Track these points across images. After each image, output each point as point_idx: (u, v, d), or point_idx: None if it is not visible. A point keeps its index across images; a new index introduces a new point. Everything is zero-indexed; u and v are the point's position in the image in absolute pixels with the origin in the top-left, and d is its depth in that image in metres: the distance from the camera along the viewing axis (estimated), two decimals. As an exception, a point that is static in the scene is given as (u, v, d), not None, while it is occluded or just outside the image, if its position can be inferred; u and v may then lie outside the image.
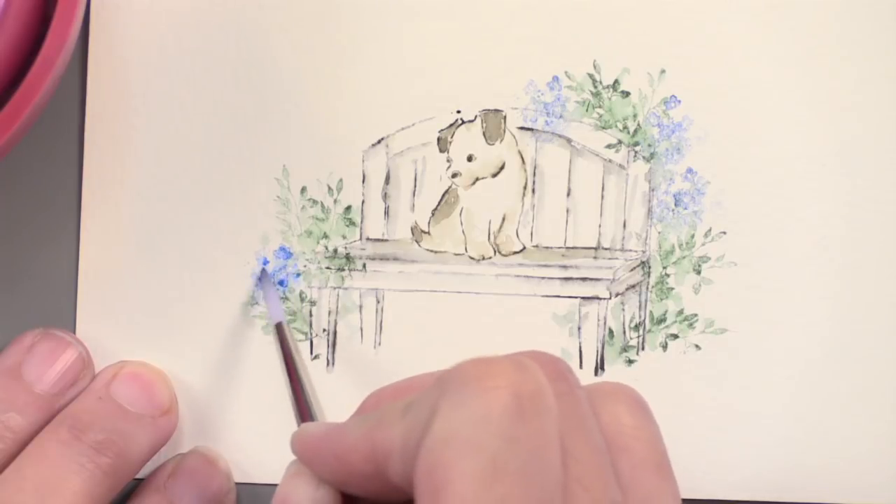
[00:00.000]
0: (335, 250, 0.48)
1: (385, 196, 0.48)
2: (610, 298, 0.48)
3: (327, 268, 0.48)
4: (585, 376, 0.48)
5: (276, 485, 0.47)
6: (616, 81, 0.48)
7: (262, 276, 0.47)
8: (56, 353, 0.46)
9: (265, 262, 0.47)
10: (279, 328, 0.45)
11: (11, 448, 0.44)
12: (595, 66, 0.48)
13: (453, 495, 0.30)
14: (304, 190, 0.48)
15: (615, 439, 0.34)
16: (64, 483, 0.43)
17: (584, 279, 0.48)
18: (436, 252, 0.48)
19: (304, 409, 0.41)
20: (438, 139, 0.48)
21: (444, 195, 0.48)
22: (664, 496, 0.34)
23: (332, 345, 0.48)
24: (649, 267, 0.48)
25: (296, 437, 0.37)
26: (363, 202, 0.48)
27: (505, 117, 0.48)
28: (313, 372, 0.48)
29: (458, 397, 0.32)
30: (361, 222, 0.48)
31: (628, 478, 0.33)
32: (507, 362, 0.33)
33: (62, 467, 0.43)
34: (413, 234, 0.48)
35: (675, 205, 0.48)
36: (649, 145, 0.48)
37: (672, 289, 0.48)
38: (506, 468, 0.31)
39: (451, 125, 0.48)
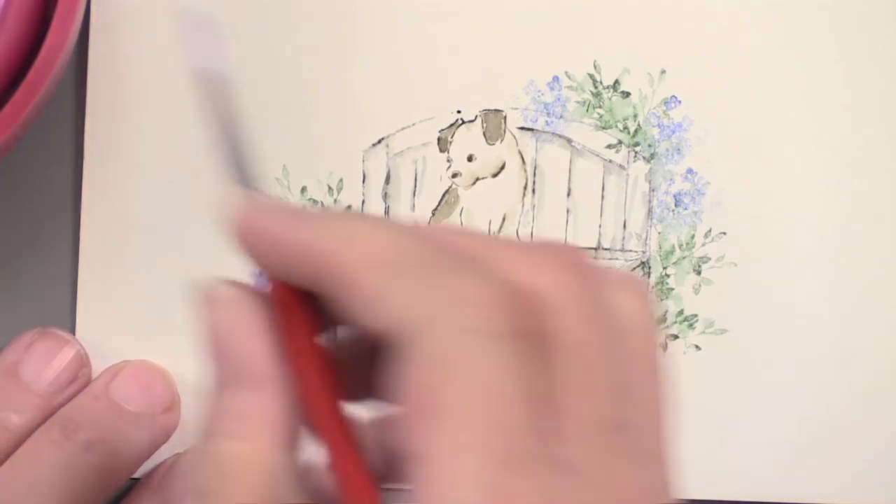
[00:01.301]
0: (335, 250, 0.48)
1: (385, 196, 0.48)
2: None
3: (327, 268, 0.48)
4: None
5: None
6: (616, 82, 0.48)
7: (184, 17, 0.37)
8: (54, 351, 0.46)
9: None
10: (206, 76, 0.36)
11: (7, 446, 0.44)
12: (595, 67, 0.48)
13: (448, 416, 0.29)
14: (304, 190, 0.48)
15: (629, 332, 0.32)
16: (55, 483, 0.43)
17: (584, 279, 0.48)
18: (436, 252, 0.48)
19: (243, 177, 0.34)
20: (439, 139, 0.48)
21: (444, 195, 0.48)
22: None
23: (332, 345, 0.48)
24: (649, 267, 0.48)
25: (243, 217, 0.33)
26: (363, 202, 0.48)
27: (505, 117, 0.48)
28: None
29: (458, 321, 0.30)
30: (361, 222, 0.48)
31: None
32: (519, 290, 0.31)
33: (53, 467, 0.43)
34: (413, 234, 0.48)
35: (676, 205, 0.48)
36: (649, 145, 0.48)
37: (672, 289, 0.48)
38: (504, 391, 0.29)
39: (452, 125, 0.48)
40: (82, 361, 0.46)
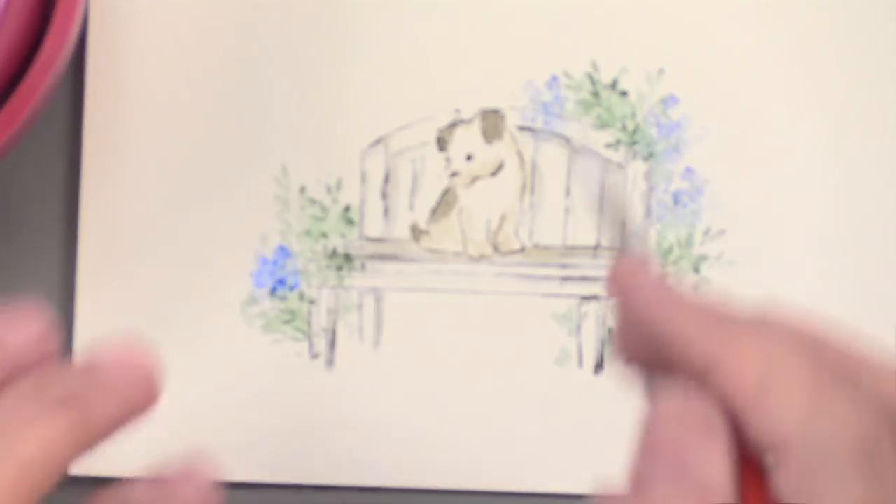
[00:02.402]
0: (334, 249, 0.48)
1: (384, 195, 0.48)
2: (609, 297, 0.48)
3: (326, 267, 0.48)
4: (585, 375, 0.48)
5: (273, 485, 0.48)
6: (615, 81, 0.48)
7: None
8: (26, 317, 0.46)
9: None
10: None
11: None
12: (594, 66, 0.48)
13: None
14: (303, 189, 0.48)
15: None
16: (21, 433, 0.43)
17: (583, 278, 0.48)
18: (435, 251, 0.48)
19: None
20: (437, 138, 0.48)
21: (443, 194, 0.48)
22: None
23: (332, 344, 0.48)
24: (648, 266, 0.48)
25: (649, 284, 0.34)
26: (362, 201, 0.48)
27: (504, 117, 0.48)
28: (312, 372, 0.48)
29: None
30: (360, 221, 0.48)
31: None
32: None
33: (20, 418, 0.43)
34: (412, 233, 0.48)
35: (674, 204, 0.48)
36: (648, 145, 0.48)
37: (671, 288, 0.48)
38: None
39: (450, 124, 0.48)
40: (55, 330, 0.46)
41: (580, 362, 0.48)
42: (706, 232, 0.48)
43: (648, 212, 0.48)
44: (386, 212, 0.48)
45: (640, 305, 0.33)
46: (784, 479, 0.31)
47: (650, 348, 0.33)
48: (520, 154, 0.48)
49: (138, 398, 0.46)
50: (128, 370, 0.45)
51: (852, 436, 0.31)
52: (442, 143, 0.48)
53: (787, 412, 0.31)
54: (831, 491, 0.30)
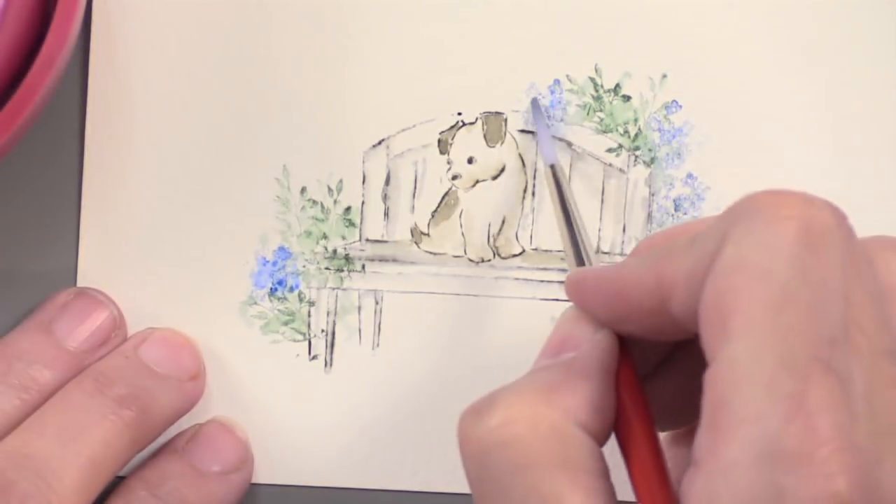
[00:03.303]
0: (334, 251, 0.48)
1: (385, 197, 0.48)
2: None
3: (326, 268, 0.48)
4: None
5: (272, 485, 0.48)
6: (617, 85, 0.48)
7: (535, 110, 0.47)
8: (88, 311, 0.46)
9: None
10: (553, 170, 0.44)
11: (36, 399, 0.44)
12: (596, 70, 0.48)
13: (742, 320, 0.31)
14: (304, 190, 0.48)
15: (889, 289, 0.34)
16: (85, 431, 0.43)
17: (583, 283, 0.48)
18: (435, 254, 0.48)
19: (579, 254, 0.41)
20: (439, 141, 0.48)
21: (443, 197, 0.48)
22: None
23: (331, 346, 0.48)
24: (648, 271, 0.48)
25: (571, 278, 0.38)
26: (363, 203, 0.48)
27: (506, 120, 0.48)
28: (311, 373, 0.48)
29: (750, 225, 0.32)
30: (361, 223, 0.48)
31: None
32: (799, 195, 0.33)
33: (84, 416, 0.44)
34: (412, 235, 0.48)
35: (675, 210, 0.48)
36: (650, 150, 0.48)
37: (671, 293, 0.48)
38: (795, 297, 0.31)
39: (452, 127, 0.48)
40: (116, 323, 0.46)
41: (579, 367, 0.48)
42: (707, 238, 0.48)
43: (650, 217, 0.48)
44: (386, 214, 0.48)
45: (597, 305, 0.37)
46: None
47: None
48: (521, 157, 0.48)
49: (186, 399, 0.46)
50: (177, 371, 0.46)
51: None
52: (443, 146, 0.48)
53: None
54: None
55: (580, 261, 0.41)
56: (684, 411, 0.38)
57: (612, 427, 0.35)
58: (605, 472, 0.34)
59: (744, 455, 0.30)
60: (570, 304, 0.38)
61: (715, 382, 0.31)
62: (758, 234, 0.32)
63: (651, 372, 0.39)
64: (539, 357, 0.37)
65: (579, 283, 0.37)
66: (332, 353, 0.48)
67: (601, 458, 0.34)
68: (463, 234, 0.48)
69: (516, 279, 0.48)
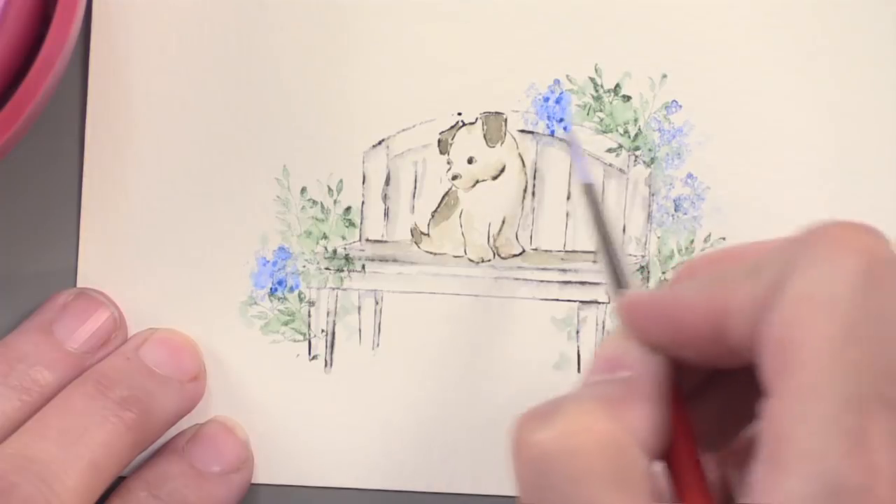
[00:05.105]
0: (334, 251, 0.48)
1: (385, 197, 0.48)
2: (609, 302, 0.48)
3: (326, 268, 0.48)
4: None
5: (272, 485, 0.48)
6: (617, 85, 0.48)
7: (570, 139, 0.47)
8: (88, 312, 0.46)
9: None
10: (588, 190, 0.43)
11: (37, 401, 0.44)
12: (596, 70, 0.48)
13: (808, 354, 0.31)
14: (304, 190, 0.48)
15: None
16: (86, 433, 0.43)
17: (583, 283, 0.48)
18: (435, 254, 0.48)
19: (619, 275, 0.40)
20: (439, 141, 0.48)
21: (443, 197, 0.48)
22: None
23: (331, 346, 0.48)
24: (648, 271, 0.48)
25: (624, 301, 0.37)
26: (363, 203, 0.48)
27: (506, 120, 0.48)
28: (310, 373, 0.48)
29: (815, 256, 0.32)
30: (361, 223, 0.48)
31: None
32: (863, 227, 0.33)
33: (85, 418, 0.44)
34: (412, 235, 0.48)
35: (675, 210, 0.48)
36: (650, 150, 0.48)
37: (671, 293, 0.48)
38: (859, 332, 0.31)
39: (452, 127, 0.48)
40: (116, 324, 0.46)
41: (579, 367, 0.48)
42: (707, 238, 0.48)
43: (649, 217, 0.48)
44: (386, 214, 0.48)
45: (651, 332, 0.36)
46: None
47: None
48: (521, 157, 0.48)
49: (187, 400, 0.46)
50: (178, 372, 0.46)
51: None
52: (443, 146, 0.48)
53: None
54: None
55: (619, 282, 0.40)
56: (719, 436, 0.38)
57: (665, 451, 0.35)
58: (655, 496, 0.34)
59: (805, 489, 0.30)
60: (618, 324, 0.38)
61: (776, 416, 0.31)
62: (824, 266, 0.32)
63: (688, 395, 0.39)
64: (591, 372, 0.36)
65: (632, 306, 0.36)
66: (332, 353, 0.48)
67: (652, 480, 0.34)
68: (463, 234, 0.48)
69: (516, 279, 0.48)
